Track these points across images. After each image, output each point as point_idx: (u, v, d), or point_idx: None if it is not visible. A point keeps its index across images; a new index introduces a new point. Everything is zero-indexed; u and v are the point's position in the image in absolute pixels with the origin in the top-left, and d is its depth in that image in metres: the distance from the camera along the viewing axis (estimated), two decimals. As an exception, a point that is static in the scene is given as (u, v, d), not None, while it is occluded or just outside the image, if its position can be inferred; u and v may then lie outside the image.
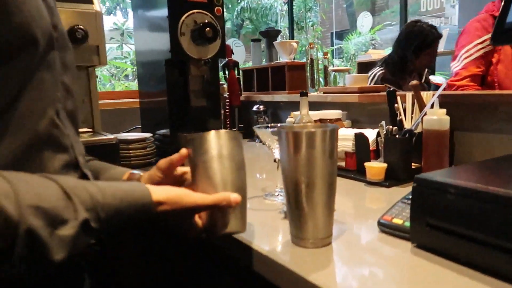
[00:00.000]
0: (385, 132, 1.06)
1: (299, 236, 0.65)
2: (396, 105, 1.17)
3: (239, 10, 7.93)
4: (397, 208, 0.71)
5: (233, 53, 2.00)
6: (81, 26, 0.96)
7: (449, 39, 3.80)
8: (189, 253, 1.02)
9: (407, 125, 1.14)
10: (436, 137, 0.99)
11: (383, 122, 1.07)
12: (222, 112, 1.71)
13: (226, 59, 1.99)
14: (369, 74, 2.14)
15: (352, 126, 1.52)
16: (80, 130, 1.24)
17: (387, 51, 5.86)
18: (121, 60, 7.40)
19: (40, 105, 0.52)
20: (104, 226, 0.48)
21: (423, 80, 2.20)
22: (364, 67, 3.53)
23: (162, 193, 0.54)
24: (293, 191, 0.65)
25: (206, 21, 1.25)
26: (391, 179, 1.02)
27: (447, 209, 0.57)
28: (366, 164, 1.02)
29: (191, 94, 1.34)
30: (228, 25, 8.68)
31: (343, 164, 1.18)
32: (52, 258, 0.42)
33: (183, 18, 1.25)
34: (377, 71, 2.19)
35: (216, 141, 0.60)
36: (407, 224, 0.66)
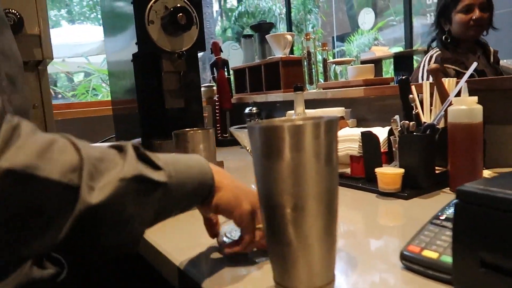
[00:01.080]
0: (399, 128, 0.84)
1: (286, 285, 0.44)
2: (410, 95, 0.95)
3: (236, 15, 7.76)
4: (428, 233, 0.49)
5: (221, 51, 1.80)
6: (13, 10, 0.76)
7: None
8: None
9: (426, 119, 0.93)
10: (466, 132, 0.77)
11: (396, 117, 0.85)
12: (205, 115, 1.50)
13: (215, 57, 1.80)
14: (424, 59, 1.74)
15: (358, 126, 1.30)
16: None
17: (393, 49, 5.65)
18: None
19: None
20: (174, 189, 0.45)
21: (491, 61, 1.75)
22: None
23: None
24: (273, 217, 0.43)
25: (179, 5, 1.05)
26: (410, 188, 0.81)
27: (515, 239, 0.36)
28: (378, 170, 0.81)
29: (165, 94, 1.13)
30: (228, 33, 8.54)
31: (348, 170, 0.97)
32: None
33: (150, 3, 1.05)
34: (432, 52, 1.75)
35: None
36: (447, 259, 0.44)
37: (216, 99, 1.81)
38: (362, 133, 0.91)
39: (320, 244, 0.43)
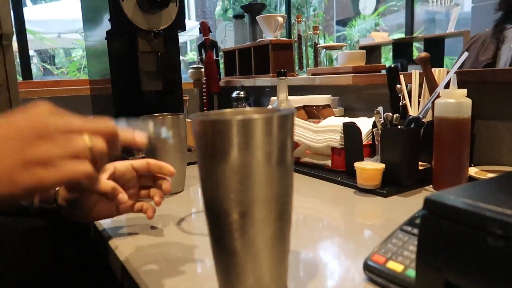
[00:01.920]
0: (382, 121, 0.79)
1: (230, 298, 0.39)
2: (398, 86, 0.90)
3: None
4: (396, 242, 0.45)
5: (210, 31, 1.73)
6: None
7: (459, 20, 3.48)
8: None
9: (413, 112, 0.87)
10: (453, 127, 0.72)
11: (379, 108, 0.80)
12: (186, 98, 1.44)
13: (203, 38, 1.73)
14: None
15: (346, 115, 1.25)
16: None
17: (394, 35, 5.51)
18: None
19: None
20: None
21: None
22: (368, 52, 3.24)
23: None
24: (217, 224, 0.38)
25: (155, -20, 0.98)
26: (390, 184, 0.76)
27: (486, 258, 0.31)
28: (357, 164, 0.76)
29: (142, 76, 1.07)
30: (230, 13, 8.35)
31: (329, 163, 0.92)
32: None
33: (125, -24, 0.98)
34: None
35: None
36: (412, 273, 0.39)
37: (204, 82, 1.75)
38: (344, 124, 0.85)
39: (270, 254, 0.38)
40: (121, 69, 1.07)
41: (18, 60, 1.80)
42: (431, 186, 0.78)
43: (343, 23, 9.16)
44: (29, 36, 1.79)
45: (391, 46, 3.72)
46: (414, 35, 3.99)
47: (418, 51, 4.13)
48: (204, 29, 1.71)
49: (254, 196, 0.37)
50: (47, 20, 5.99)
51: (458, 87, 0.72)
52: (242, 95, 1.61)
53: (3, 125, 0.35)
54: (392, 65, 0.95)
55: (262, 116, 0.36)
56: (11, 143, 0.34)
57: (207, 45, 1.72)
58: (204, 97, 1.76)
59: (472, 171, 0.81)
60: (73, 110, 0.38)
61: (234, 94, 1.63)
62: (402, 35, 4.51)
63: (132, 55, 1.06)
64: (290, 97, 1.15)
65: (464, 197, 0.35)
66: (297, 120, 0.98)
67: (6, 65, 0.93)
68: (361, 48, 3.41)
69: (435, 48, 3.13)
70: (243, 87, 1.63)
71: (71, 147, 0.35)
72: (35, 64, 6.97)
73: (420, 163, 0.85)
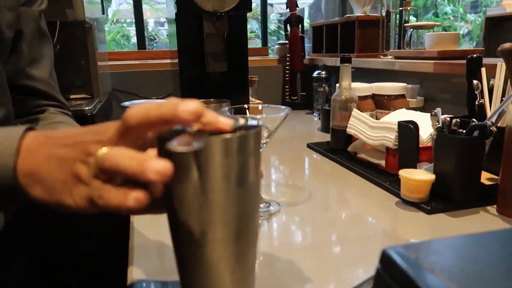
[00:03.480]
0: (439, 125, 0.67)
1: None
2: (475, 81, 0.75)
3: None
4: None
5: (297, 6, 1.66)
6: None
7: None
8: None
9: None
10: (524, 141, 0.58)
11: (437, 110, 0.68)
12: (254, 79, 1.41)
13: (289, 13, 1.67)
14: None
15: (425, 106, 1.11)
16: (78, 96, 1.11)
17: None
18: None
19: None
20: None
21: None
22: (496, 24, 2.75)
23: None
24: (180, 243, 0.38)
25: (220, -39, 0.97)
26: (440, 198, 0.66)
27: None
28: (402, 173, 0.67)
29: (207, 57, 1.09)
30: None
31: (383, 163, 0.83)
32: None
33: (192, -42, 0.98)
34: None
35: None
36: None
37: (287, 59, 1.71)
38: (399, 123, 0.75)
39: (230, 274, 0.38)
40: (188, 50, 1.10)
41: (135, 31, 1.91)
42: (495, 206, 0.65)
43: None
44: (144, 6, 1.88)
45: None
46: None
47: None
48: (291, 4, 1.65)
49: (213, 216, 0.36)
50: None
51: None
52: (323, 75, 1.53)
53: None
54: (475, 55, 0.80)
55: (220, 138, 0.34)
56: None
57: (292, 21, 1.66)
58: (287, 75, 1.73)
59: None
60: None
61: (315, 74, 1.56)
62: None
63: (199, 36, 1.08)
64: (358, 84, 1.06)
65: (424, 259, 0.28)
66: (355, 112, 0.90)
67: (88, 46, 1.03)
68: (487, 19, 2.92)
69: None
70: (325, 66, 1.55)
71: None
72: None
73: (490, 176, 0.72)
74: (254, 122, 0.40)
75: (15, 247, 0.66)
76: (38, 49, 0.63)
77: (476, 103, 0.76)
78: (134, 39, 2.01)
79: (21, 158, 0.34)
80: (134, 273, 0.49)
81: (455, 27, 6.15)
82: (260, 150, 0.63)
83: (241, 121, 0.40)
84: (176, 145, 0.31)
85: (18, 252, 0.67)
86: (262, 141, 0.62)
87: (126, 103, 1.33)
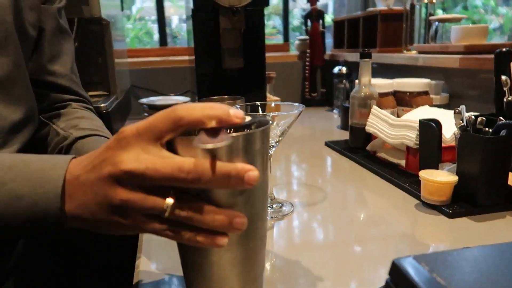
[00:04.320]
0: (463, 124, 0.64)
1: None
2: (503, 77, 0.71)
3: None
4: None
5: (318, 0, 1.62)
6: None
7: None
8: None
9: (519, 112, 0.69)
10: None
11: (461, 107, 0.64)
12: (272, 76, 1.38)
13: (310, 7, 1.63)
14: None
15: (451, 103, 1.06)
16: (95, 93, 1.11)
17: None
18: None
19: None
20: None
21: None
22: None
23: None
24: (187, 247, 0.37)
25: (236, -46, 0.95)
26: (463, 202, 0.62)
27: None
28: (422, 174, 0.64)
29: (223, 53, 1.07)
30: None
31: (403, 162, 0.80)
32: None
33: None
34: None
35: None
36: None
37: (308, 54, 1.68)
38: (421, 122, 0.72)
39: (237, 276, 0.38)
40: (205, 46, 1.09)
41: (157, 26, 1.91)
42: (524, 210, 0.61)
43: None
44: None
45: None
46: None
47: None
48: (312, -3, 1.61)
49: None
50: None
51: None
52: (343, 71, 1.50)
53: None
54: (504, 49, 0.75)
55: (225, 143, 0.32)
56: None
57: (313, 15, 1.63)
58: (306, 71, 1.70)
59: None
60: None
61: (335, 70, 1.52)
62: None
63: (216, 32, 1.06)
64: (379, 80, 1.02)
65: (435, 272, 0.26)
66: (375, 109, 0.87)
67: (105, 43, 1.03)
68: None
69: None
70: (346, 62, 1.51)
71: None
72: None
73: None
74: (263, 120, 0.38)
75: (32, 245, 0.67)
76: (58, 46, 0.63)
77: (504, 100, 0.71)
78: (156, 36, 2.00)
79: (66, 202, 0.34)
80: (142, 266, 0.48)
81: (485, 20, 5.95)
82: (273, 149, 0.62)
83: (249, 118, 0.39)
84: (203, 142, 0.30)
85: (36, 250, 0.67)
86: (274, 140, 0.60)
87: (144, 100, 1.34)
